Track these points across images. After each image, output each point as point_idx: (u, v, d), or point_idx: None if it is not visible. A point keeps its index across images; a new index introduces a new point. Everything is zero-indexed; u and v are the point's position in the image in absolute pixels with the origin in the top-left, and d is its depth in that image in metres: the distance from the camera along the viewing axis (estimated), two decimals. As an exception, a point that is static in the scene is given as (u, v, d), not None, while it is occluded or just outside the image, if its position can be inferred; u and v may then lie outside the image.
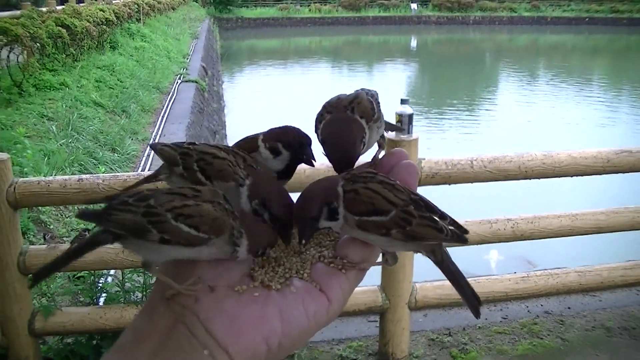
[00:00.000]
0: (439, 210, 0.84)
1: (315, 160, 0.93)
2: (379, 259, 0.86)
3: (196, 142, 0.94)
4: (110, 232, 0.79)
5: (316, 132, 0.95)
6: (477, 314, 0.88)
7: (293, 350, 0.78)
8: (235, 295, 0.74)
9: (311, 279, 0.78)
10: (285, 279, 0.78)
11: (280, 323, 0.73)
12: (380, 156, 0.93)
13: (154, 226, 0.76)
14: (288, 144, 0.93)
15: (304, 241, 0.83)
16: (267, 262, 0.82)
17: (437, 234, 0.82)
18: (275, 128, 0.96)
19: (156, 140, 9.63)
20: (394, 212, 0.80)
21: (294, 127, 0.95)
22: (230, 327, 0.71)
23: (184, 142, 0.94)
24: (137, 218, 0.77)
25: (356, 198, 0.80)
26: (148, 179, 1.01)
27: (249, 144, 0.96)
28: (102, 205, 0.83)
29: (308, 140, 0.93)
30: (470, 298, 0.88)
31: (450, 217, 0.85)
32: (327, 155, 0.91)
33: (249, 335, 0.71)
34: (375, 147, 1.01)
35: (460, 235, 0.84)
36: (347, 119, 0.93)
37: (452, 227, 0.84)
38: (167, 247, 0.77)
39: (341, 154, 0.89)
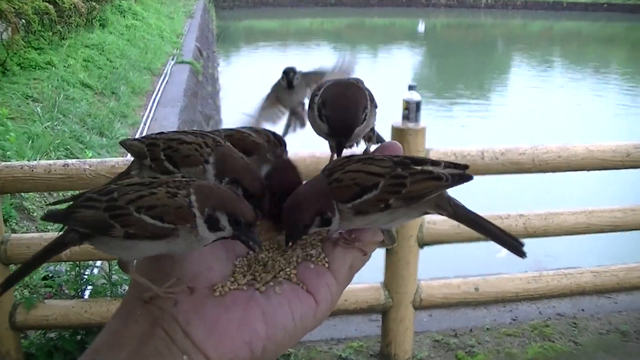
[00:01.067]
0: (429, 159, 0.84)
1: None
2: (377, 236, 0.84)
3: (164, 132, 0.94)
4: (77, 232, 0.78)
5: (310, 106, 0.93)
6: (521, 253, 0.85)
7: (279, 354, 0.78)
8: (216, 298, 0.73)
9: (297, 279, 0.77)
10: (269, 280, 0.77)
11: (264, 326, 0.72)
12: (371, 150, 0.93)
13: (116, 220, 0.75)
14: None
15: (290, 244, 0.82)
16: (250, 262, 0.80)
17: (437, 182, 0.82)
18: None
19: (147, 124, 9.62)
20: (383, 181, 0.80)
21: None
22: (211, 331, 0.70)
23: (153, 134, 0.94)
24: (99, 213, 0.76)
25: (339, 185, 0.80)
26: (120, 177, 1.01)
27: (239, 142, 0.93)
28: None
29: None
30: (504, 238, 0.85)
31: (443, 161, 0.84)
32: (325, 119, 0.89)
33: (230, 340, 0.70)
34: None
35: (462, 175, 0.84)
36: (352, 85, 0.92)
37: (449, 170, 0.84)
38: (134, 243, 0.75)
39: (342, 118, 0.88)
